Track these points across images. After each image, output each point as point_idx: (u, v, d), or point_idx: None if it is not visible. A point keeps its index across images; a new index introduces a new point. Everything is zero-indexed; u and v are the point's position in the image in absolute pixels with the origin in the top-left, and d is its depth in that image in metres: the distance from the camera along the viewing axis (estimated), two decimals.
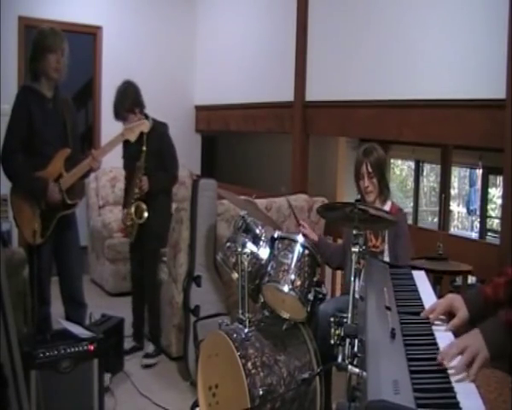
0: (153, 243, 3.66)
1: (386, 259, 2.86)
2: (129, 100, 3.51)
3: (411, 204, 9.96)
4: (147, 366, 3.56)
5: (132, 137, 3.26)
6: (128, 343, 3.73)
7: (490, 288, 1.63)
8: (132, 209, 3.52)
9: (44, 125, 3.01)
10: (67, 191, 3.05)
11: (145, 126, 3.33)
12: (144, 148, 3.42)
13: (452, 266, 2.90)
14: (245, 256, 2.65)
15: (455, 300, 1.60)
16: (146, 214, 3.49)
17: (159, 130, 3.62)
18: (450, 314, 1.59)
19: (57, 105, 3.08)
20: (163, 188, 3.67)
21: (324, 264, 3.45)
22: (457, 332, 1.51)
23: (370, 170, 2.91)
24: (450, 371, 1.27)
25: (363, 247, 2.22)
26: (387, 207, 2.98)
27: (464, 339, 1.36)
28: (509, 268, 1.63)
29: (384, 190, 2.98)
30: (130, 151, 3.58)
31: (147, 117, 3.59)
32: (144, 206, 3.50)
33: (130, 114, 3.53)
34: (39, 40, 2.99)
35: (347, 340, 1.80)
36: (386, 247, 2.91)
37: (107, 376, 3.14)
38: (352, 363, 1.71)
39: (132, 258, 3.84)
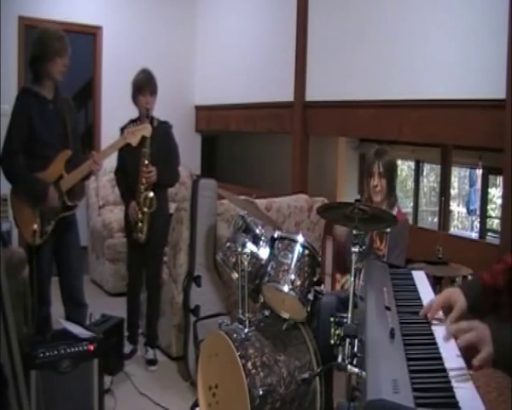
0: (159, 242, 3.61)
1: None
2: (155, 82, 3.52)
3: (411, 204, 9.93)
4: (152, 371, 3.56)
5: (134, 141, 3.23)
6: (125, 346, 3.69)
7: (488, 275, 1.63)
8: (141, 199, 3.40)
9: (45, 127, 2.99)
10: (67, 193, 3.04)
11: (147, 131, 3.29)
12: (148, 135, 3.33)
13: (452, 271, 2.89)
14: (245, 256, 2.65)
15: (453, 293, 1.59)
16: (151, 194, 3.37)
17: (163, 128, 3.58)
18: (449, 309, 1.59)
19: (57, 106, 3.06)
20: (168, 182, 3.62)
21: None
22: None
23: (382, 170, 2.94)
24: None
25: (364, 247, 2.23)
26: (394, 212, 2.94)
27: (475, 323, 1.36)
28: (509, 257, 1.63)
29: (392, 194, 3.00)
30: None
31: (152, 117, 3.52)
32: (152, 194, 3.39)
33: (155, 95, 3.51)
34: (44, 43, 2.93)
35: (347, 340, 1.81)
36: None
37: (108, 379, 3.14)
38: (351, 363, 1.72)
39: (133, 258, 3.68)
